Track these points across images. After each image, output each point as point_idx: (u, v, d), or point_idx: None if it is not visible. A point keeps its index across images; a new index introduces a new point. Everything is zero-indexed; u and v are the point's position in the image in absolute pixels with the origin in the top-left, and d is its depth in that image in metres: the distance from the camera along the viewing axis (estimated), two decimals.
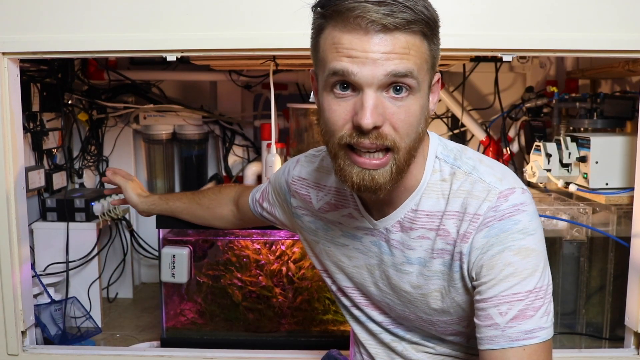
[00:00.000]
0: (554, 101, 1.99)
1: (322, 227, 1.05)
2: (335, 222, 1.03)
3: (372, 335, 1.07)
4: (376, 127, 0.80)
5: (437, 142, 0.95)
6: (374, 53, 0.78)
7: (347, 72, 0.79)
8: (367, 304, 1.05)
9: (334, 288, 1.09)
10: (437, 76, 0.90)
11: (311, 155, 1.11)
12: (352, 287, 1.05)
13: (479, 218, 0.87)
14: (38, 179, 1.98)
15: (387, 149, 0.83)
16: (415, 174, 0.92)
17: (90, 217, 1.97)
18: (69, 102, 2.21)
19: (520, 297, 0.84)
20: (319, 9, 0.84)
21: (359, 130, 0.80)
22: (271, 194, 1.22)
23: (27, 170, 1.85)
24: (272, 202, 1.22)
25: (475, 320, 0.88)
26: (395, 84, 0.80)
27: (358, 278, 1.02)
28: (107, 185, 1.90)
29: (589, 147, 1.66)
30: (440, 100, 2.24)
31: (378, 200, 0.94)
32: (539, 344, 0.83)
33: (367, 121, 0.79)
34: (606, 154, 1.65)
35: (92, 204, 1.97)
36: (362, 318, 1.07)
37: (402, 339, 1.04)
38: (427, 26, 0.81)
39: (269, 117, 1.84)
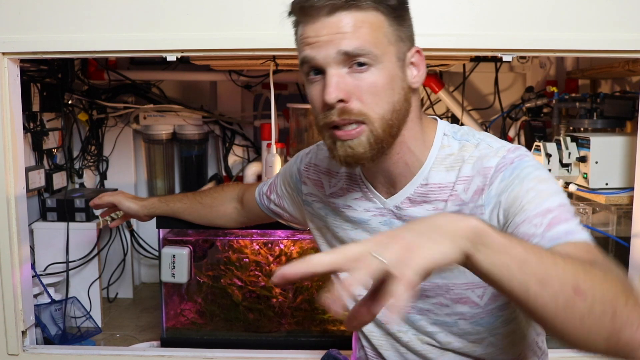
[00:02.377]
0: (554, 101, 1.99)
1: (331, 213, 1.08)
2: (345, 206, 1.05)
3: (378, 326, 1.08)
4: (342, 101, 0.87)
5: (446, 124, 1.01)
6: (323, 36, 0.87)
7: (309, 58, 0.88)
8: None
9: (342, 276, 1.09)
10: (415, 49, 0.94)
11: (322, 144, 1.15)
12: None
13: (491, 170, 0.91)
14: (38, 179, 1.98)
15: (359, 122, 0.88)
16: (418, 152, 0.96)
17: (90, 217, 1.97)
18: (69, 102, 2.21)
19: (551, 209, 0.84)
20: (290, 13, 0.93)
21: (328, 107, 0.87)
22: (280, 186, 1.24)
23: (27, 170, 1.85)
24: (281, 194, 1.24)
25: None
26: (354, 60, 0.87)
27: None
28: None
29: (588, 147, 1.67)
30: (439, 100, 2.25)
31: (383, 179, 0.99)
32: (583, 242, 0.80)
33: (330, 96, 0.86)
34: (606, 154, 1.65)
35: None
36: None
37: (410, 326, 1.04)
38: (379, 1, 0.87)
39: (269, 117, 1.84)
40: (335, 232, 1.08)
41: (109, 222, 1.57)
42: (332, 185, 1.09)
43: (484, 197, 0.91)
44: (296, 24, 0.93)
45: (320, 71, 0.89)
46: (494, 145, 0.95)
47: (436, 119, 1.02)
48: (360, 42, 0.86)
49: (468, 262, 0.67)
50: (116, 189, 2.17)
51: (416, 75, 0.94)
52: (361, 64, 0.87)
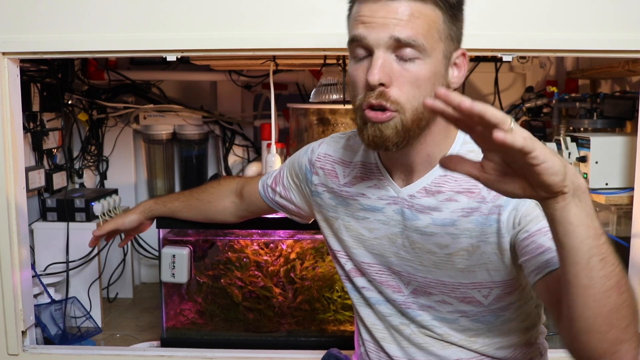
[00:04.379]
0: (554, 101, 1.99)
1: (343, 202, 1.09)
2: (359, 194, 1.06)
3: (381, 319, 1.08)
4: (383, 85, 0.88)
5: None
6: (382, 18, 0.87)
7: (359, 37, 0.89)
8: (382, 281, 1.06)
9: (349, 267, 1.10)
10: (461, 51, 0.95)
11: (337, 136, 1.17)
12: (370, 263, 1.06)
13: None
14: (38, 179, 1.98)
15: (393, 111, 0.89)
16: (441, 145, 0.98)
17: (90, 217, 1.97)
18: (69, 102, 2.21)
19: None
20: None
21: (369, 87, 0.89)
22: (286, 177, 1.24)
23: (27, 170, 1.85)
24: (288, 185, 1.24)
25: (524, 258, 0.90)
26: (403, 48, 0.88)
27: (378, 249, 1.04)
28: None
29: (588, 147, 1.67)
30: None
31: (402, 168, 1.00)
32: None
33: (373, 77, 0.87)
34: (606, 154, 1.65)
35: (92, 204, 1.97)
36: (374, 299, 1.08)
37: (412, 320, 1.05)
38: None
39: (269, 117, 1.84)
40: (346, 221, 1.08)
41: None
42: (346, 174, 1.09)
43: (504, 198, 0.91)
44: (352, 4, 0.94)
45: (367, 51, 0.90)
46: None
47: None
48: (414, 32, 0.87)
49: (556, 203, 0.71)
50: (116, 189, 2.18)
51: (456, 76, 0.96)
52: (409, 54, 0.88)
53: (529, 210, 0.91)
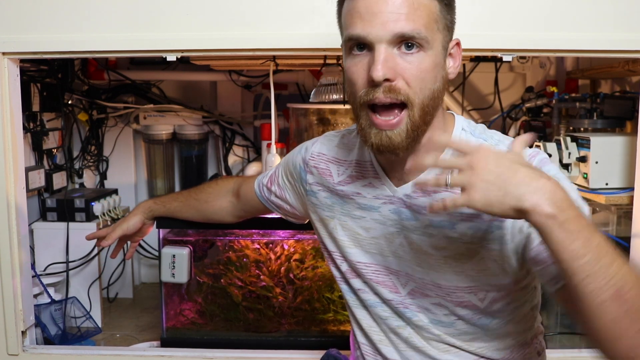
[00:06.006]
0: (554, 101, 1.99)
1: (339, 201, 1.07)
2: (354, 193, 1.04)
3: (378, 321, 1.07)
4: (388, 80, 0.86)
5: (463, 119, 1.01)
6: (381, 13, 0.85)
7: (359, 36, 0.86)
8: (379, 281, 1.04)
9: (344, 268, 1.09)
10: (456, 40, 0.95)
11: (331, 135, 1.15)
12: (366, 263, 1.05)
13: None
14: (38, 179, 1.98)
15: (401, 105, 0.88)
16: (438, 142, 0.95)
17: (90, 217, 1.97)
18: (69, 102, 2.21)
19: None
20: None
21: (373, 84, 0.86)
22: (281, 177, 1.23)
23: (27, 170, 1.85)
24: (283, 185, 1.23)
25: (539, 268, 0.88)
26: (405, 43, 0.86)
27: (375, 249, 1.04)
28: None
29: (588, 147, 1.66)
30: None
31: (399, 167, 0.98)
32: None
33: (378, 74, 0.84)
34: (606, 154, 1.65)
35: (92, 204, 1.97)
36: (370, 301, 1.07)
37: (408, 322, 1.04)
38: None
39: (269, 117, 1.84)
40: (342, 220, 1.07)
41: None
42: (340, 173, 1.08)
43: None
44: None
45: (366, 47, 0.87)
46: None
47: (453, 114, 1.02)
48: (417, 24, 0.85)
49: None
50: (116, 189, 2.18)
51: (452, 66, 0.95)
52: (411, 46, 0.86)
53: None
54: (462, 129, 0.98)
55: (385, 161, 1.01)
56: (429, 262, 0.98)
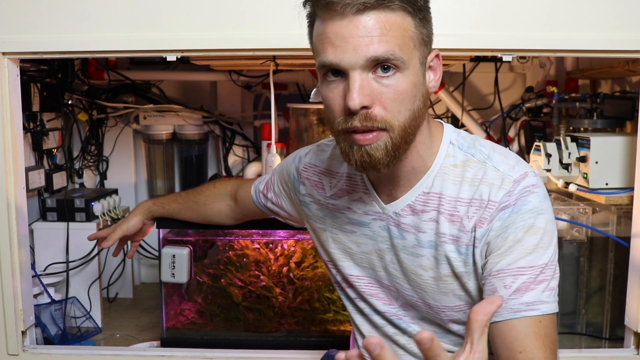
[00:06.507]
0: (554, 101, 1.99)
1: (330, 214, 1.07)
2: (345, 207, 1.04)
3: (376, 328, 1.07)
4: (365, 107, 0.83)
5: (452, 130, 0.98)
6: (352, 38, 0.81)
7: (331, 63, 0.83)
8: (372, 293, 1.05)
9: (339, 278, 1.09)
10: (435, 52, 0.90)
11: (323, 144, 1.13)
12: (358, 276, 1.05)
13: (495, 204, 0.90)
14: (38, 179, 1.98)
15: (380, 130, 0.85)
16: (425, 157, 0.94)
17: (90, 217, 1.97)
18: (69, 102, 2.21)
19: (524, 272, 0.87)
20: (307, 4, 0.87)
21: (349, 112, 0.83)
22: (277, 184, 1.22)
23: (27, 170, 1.85)
24: (278, 192, 1.22)
25: (484, 295, 0.91)
26: (379, 64, 0.82)
27: (367, 263, 1.03)
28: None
29: (588, 147, 1.66)
30: (439, 100, 2.25)
31: (387, 182, 0.97)
32: (540, 316, 0.87)
33: (354, 102, 0.81)
34: (606, 154, 1.65)
35: (92, 204, 1.97)
36: (367, 310, 1.07)
37: (404, 331, 1.04)
38: (407, 1, 0.82)
39: (269, 117, 1.84)
40: (334, 234, 1.06)
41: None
42: (332, 186, 1.07)
43: (482, 231, 0.90)
44: (312, 17, 0.87)
45: (340, 72, 0.84)
46: (500, 167, 0.92)
47: (442, 123, 0.99)
48: (390, 46, 0.81)
49: None
50: (116, 189, 2.18)
51: (433, 79, 0.91)
52: (387, 68, 0.82)
53: (497, 246, 0.90)
54: (450, 143, 0.96)
55: (374, 177, 1.00)
56: (417, 281, 0.98)
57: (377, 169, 0.87)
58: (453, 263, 0.94)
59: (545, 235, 0.89)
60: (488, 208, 0.90)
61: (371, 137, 0.84)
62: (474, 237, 0.91)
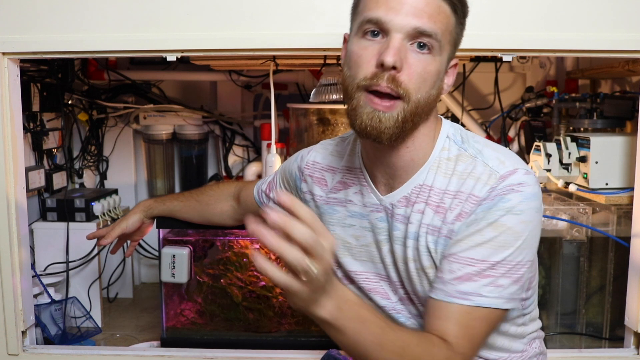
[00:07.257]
0: (554, 101, 1.99)
1: (329, 211, 1.08)
2: (345, 200, 1.05)
3: None
4: (395, 69, 0.86)
5: (450, 125, 1.01)
6: (407, 4, 0.86)
7: (380, 19, 0.87)
8: (371, 288, 1.06)
9: (340, 274, 1.10)
10: (455, 61, 0.96)
11: (326, 143, 1.16)
12: (357, 271, 1.06)
13: (477, 200, 0.91)
14: (38, 179, 1.98)
15: (397, 98, 0.88)
16: (424, 150, 0.97)
17: (90, 217, 1.97)
18: (69, 102, 2.21)
19: (473, 264, 0.89)
20: None
21: (381, 66, 0.86)
22: (279, 184, 1.24)
23: (27, 170, 1.85)
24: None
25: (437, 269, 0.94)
26: (419, 40, 0.87)
27: (366, 257, 1.04)
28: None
29: (588, 147, 1.66)
30: (439, 100, 2.25)
31: (385, 174, 0.99)
32: (471, 307, 0.88)
33: (389, 58, 0.85)
34: (606, 154, 1.65)
35: (92, 204, 1.97)
36: None
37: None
38: (458, 2, 0.90)
39: (269, 117, 1.84)
40: (332, 231, 1.07)
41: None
42: (333, 180, 1.09)
43: (460, 224, 0.92)
44: None
45: (381, 34, 0.88)
46: (490, 163, 0.93)
47: (441, 118, 1.02)
48: (437, 27, 0.87)
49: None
50: (116, 189, 2.18)
51: (446, 83, 0.96)
52: (423, 46, 0.88)
53: (462, 228, 0.92)
54: (447, 137, 0.99)
55: (373, 167, 1.01)
56: (407, 273, 1.00)
57: (380, 138, 0.89)
58: (432, 255, 0.95)
59: (507, 233, 0.89)
60: (469, 202, 0.91)
61: (388, 105, 0.88)
62: (452, 229, 0.93)
